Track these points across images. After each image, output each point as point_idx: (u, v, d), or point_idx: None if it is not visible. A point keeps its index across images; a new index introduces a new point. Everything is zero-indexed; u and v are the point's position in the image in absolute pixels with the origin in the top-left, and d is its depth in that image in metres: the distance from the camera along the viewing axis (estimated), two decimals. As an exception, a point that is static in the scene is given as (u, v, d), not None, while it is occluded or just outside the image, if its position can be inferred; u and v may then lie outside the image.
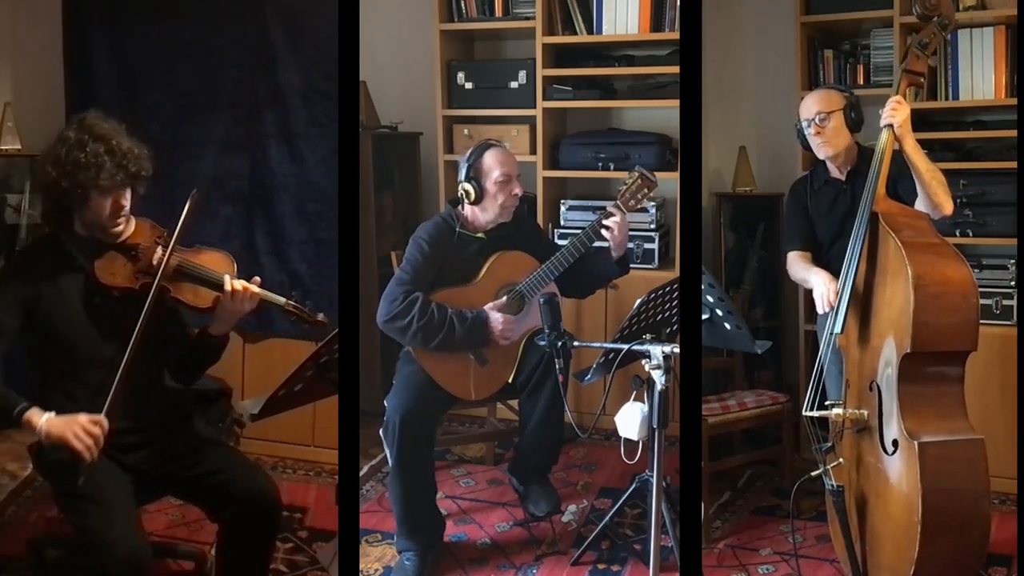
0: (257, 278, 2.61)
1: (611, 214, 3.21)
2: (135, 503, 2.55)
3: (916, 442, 2.54)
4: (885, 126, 2.79)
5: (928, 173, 2.79)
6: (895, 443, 2.62)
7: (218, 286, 2.56)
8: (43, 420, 2.32)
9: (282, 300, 2.63)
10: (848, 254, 2.78)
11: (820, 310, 2.95)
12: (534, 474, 3.50)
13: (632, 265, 4.16)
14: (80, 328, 2.48)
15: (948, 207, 2.84)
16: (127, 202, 2.50)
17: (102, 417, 2.34)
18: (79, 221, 2.51)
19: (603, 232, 3.23)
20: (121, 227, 2.52)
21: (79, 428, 2.30)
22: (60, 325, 2.47)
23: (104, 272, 2.48)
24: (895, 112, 2.76)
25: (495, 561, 3.23)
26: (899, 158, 2.91)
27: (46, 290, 2.47)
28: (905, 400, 2.62)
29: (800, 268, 3.12)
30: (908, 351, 2.58)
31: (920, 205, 2.86)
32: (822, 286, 2.92)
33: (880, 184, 2.77)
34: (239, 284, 2.55)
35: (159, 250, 2.53)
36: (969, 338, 2.63)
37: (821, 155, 3.05)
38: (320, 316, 2.67)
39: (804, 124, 3.04)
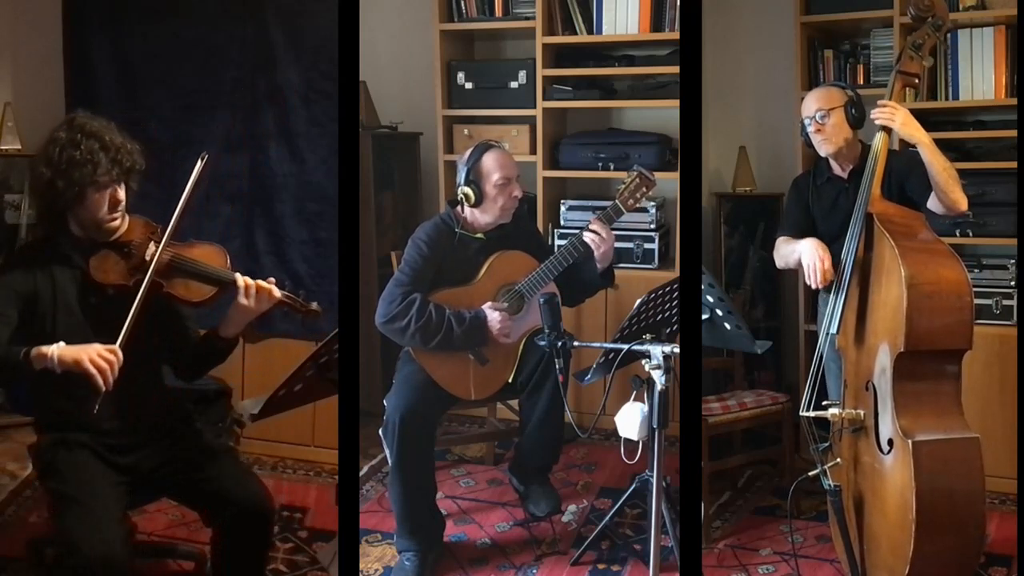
0: (272, 279, 2.59)
1: (593, 230, 3.20)
2: (127, 505, 2.55)
3: (910, 441, 2.54)
4: (882, 129, 2.78)
5: (945, 172, 2.78)
6: (890, 442, 2.62)
7: (215, 281, 2.54)
8: (54, 348, 2.28)
9: (280, 294, 2.60)
10: (844, 255, 2.79)
11: (813, 283, 2.86)
12: (534, 474, 3.51)
13: (632, 265, 4.21)
14: (77, 328, 2.46)
15: (963, 203, 2.82)
16: (122, 197, 2.51)
17: (117, 347, 2.31)
18: (74, 221, 2.50)
19: (588, 242, 3.22)
20: (117, 223, 2.51)
21: (94, 353, 2.27)
22: (58, 324, 2.46)
23: (97, 270, 2.48)
24: (892, 115, 2.76)
25: (495, 561, 3.23)
26: (905, 157, 2.90)
27: (43, 288, 2.47)
28: (900, 399, 2.62)
29: (785, 247, 3.07)
30: (902, 350, 2.58)
31: (934, 203, 2.85)
32: (811, 253, 2.85)
33: (875, 185, 2.77)
34: (251, 281, 2.53)
35: (152, 245, 2.52)
36: (963, 337, 2.63)
37: (822, 152, 3.04)
38: (313, 305, 2.65)
39: (806, 122, 3.02)
